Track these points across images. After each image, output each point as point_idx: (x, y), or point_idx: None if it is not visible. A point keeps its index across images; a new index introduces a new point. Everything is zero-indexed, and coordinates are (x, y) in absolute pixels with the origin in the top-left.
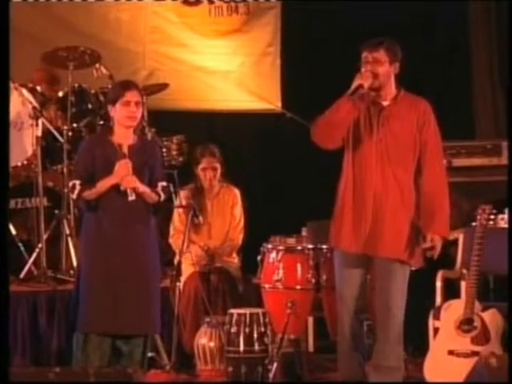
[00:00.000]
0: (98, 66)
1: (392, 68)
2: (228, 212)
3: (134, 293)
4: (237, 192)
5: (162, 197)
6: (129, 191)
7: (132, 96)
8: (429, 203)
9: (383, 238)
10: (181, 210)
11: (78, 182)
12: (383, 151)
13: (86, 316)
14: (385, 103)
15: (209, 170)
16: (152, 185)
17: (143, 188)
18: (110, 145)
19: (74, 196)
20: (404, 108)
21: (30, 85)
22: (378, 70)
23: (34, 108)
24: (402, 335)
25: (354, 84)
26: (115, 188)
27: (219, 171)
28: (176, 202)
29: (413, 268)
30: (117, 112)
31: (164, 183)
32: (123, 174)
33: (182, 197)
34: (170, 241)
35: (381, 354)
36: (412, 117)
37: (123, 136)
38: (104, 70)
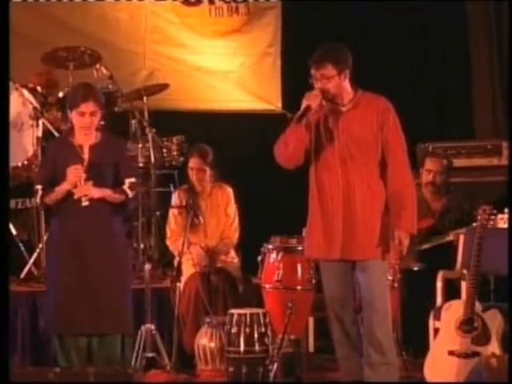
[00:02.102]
0: (98, 66)
1: (342, 77)
2: (222, 211)
3: (102, 294)
4: (230, 190)
5: (130, 194)
6: (82, 198)
7: (87, 107)
8: (395, 201)
9: (358, 242)
10: (176, 212)
11: (39, 187)
12: (347, 156)
13: (55, 318)
14: (343, 108)
15: (195, 171)
16: (118, 182)
17: (99, 193)
18: (71, 147)
19: (38, 201)
20: (362, 109)
21: (31, 85)
22: (328, 85)
23: (34, 108)
24: (389, 330)
25: (303, 106)
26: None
27: (208, 173)
28: (174, 203)
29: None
30: (73, 119)
31: (132, 179)
32: (74, 180)
33: (176, 198)
34: (168, 243)
35: (371, 351)
36: (371, 117)
37: (84, 137)
38: (104, 71)
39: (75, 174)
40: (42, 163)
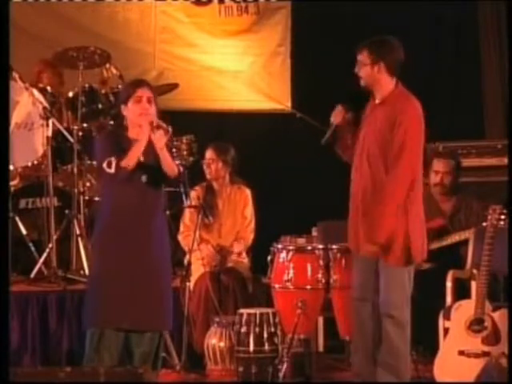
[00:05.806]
0: (108, 66)
1: (375, 69)
2: (239, 212)
3: (147, 290)
4: (248, 192)
5: (181, 171)
6: (143, 178)
7: (143, 92)
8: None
9: (360, 235)
10: (192, 209)
11: (112, 158)
12: (370, 152)
13: (101, 311)
14: (377, 102)
15: (206, 162)
16: None
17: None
18: (126, 138)
19: (112, 170)
20: (391, 107)
21: (41, 85)
22: (360, 72)
23: (44, 108)
24: (407, 333)
25: (330, 129)
26: (133, 187)
27: (221, 168)
28: (187, 202)
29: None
30: (129, 110)
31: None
32: (162, 143)
33: (193, 195)
34: (179, 238)
35: (386, 352)
36: (393, 114)
37: (139, 130)
38: (114, 70)
39: (147, 119)
40: (104, 145)
